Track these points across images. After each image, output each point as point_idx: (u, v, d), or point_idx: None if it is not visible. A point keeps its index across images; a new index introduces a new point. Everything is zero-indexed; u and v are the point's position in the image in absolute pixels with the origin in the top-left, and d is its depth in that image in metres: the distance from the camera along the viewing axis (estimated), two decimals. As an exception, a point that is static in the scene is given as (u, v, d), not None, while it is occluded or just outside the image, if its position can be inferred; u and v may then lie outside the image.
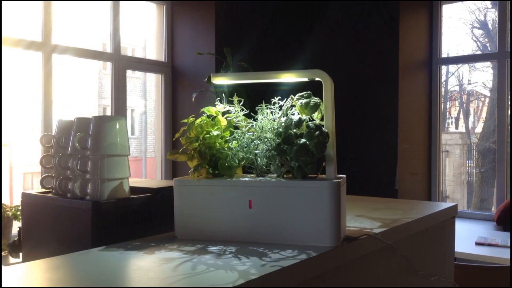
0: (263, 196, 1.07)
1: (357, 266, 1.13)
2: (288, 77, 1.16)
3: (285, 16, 3.48)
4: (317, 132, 1.07)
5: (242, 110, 1.20)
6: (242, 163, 1.17)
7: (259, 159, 1.15)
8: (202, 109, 1.21)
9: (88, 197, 1.25)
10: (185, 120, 1.19)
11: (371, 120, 3.26)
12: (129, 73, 3.16)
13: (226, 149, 1.16)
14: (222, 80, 1.21)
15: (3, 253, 2.03)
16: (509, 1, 3.10)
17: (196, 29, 3.30)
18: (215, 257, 0.96)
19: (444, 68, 3.60)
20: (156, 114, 3.47)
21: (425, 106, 3.37)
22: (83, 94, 12.10)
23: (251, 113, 1.18)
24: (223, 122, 1.20)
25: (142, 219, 1.29)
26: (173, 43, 3.37)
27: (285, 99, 1.16)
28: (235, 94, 1.20)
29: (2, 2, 2.38)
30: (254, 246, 1.04)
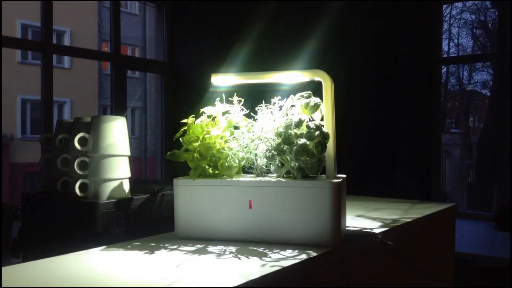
0: (263, 196, 1.07)
1: (357, 266, 1.13)
2: (288, 77, 1.16)
3: (285, 15, 3.48)
4: (317, 132, 1.07)
5: (242, 110, 1.20)
6: (242, 163, 1.17)
7: (259, 159, 1.15)
8: (202, 109, 1.21)
9: (88, 197, 1.25)
10: (185, 120, 1.19)
11: (371, 120, 3.26)
12: (129, 73, 3.16)
13: (226, 149, 1.16)
14: (222, 80, 1.21)
15: (3, 253, 2.03)
16: (509, 1, 3.10)
17: (196, 29, 3.30)
18: (215, 257, 0.96)
19: (444, 68, 3.61)
20: (156, 114, 3.47)
21: (425, 106, 3.37)
22: (83, 94, 12.11)
23: (251, 113, 1.18)
24: (223, 122, 1.20)
25: (142, 219, 1.29)
26: (173, 43, 3.37)
27: (285, 99, 1.16)
28: (235, 94, 1.20)
29: (2, 2, 2.38)
30: (254, 246, 1.04)
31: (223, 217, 1.10)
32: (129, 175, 1.30)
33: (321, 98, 1.13)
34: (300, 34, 3.49)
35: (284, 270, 0.88)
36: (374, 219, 1.34)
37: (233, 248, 1.03)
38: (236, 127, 1.19)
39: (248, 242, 1.08)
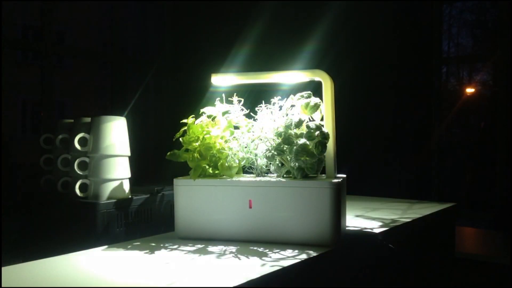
0: (263, 196, 1.07)
1: (357, 266, 1.13)
2: (288, 77, 1.16)
3: (285, 15, 3.48)
4: (317, 132, 1.07)
5: (242, 110, 1.20)
6: (242, 163, 1.17)
7: (259, 159, 1.15)
8: (202, 109, 1.21)
9: (88, 198, 1.25)
10: (185, 120, 1.19)
11: (371, 120, 3.26)
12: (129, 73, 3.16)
13: (226, 149, 1.16)
14: (222, 80, 1.21)
15: (3, 253, 2.03)
16: (509, 1, 3.10)
17: (196, 29, 3.29)
18: (215, 257, 0.96)
19: (444, 68, 3.60)
20: (156, 114, 3.47)
21: (425, 106, 3.37)
22: (83, 94, 12.11)
23: (251, 113, 1.18)
24: (223, 122, 1.20)
25: (142, 219, 1.29)
26: (174, 42, 3.37)
27: (285, 99, 1.16)
28: (235, 94, 1.21)
29: (2, 2, 2.38)
30: (254, 246, 1.04)
31: (223, 217, 1.10)
32: (129, 175, 1.30)
33: (321, 98, 1.13)
34: (300, 34, 3.49)
35: (284, 270, 0.88)
36: (373, 219, 1.34)
37: (233, 248, 1.03)
38: (236, 127, 1.19)
39: (248, 242, 1.08)
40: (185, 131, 1.18)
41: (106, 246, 1.07)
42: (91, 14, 12.24)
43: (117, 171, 1.26)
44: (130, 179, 1.32)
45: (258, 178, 1.11)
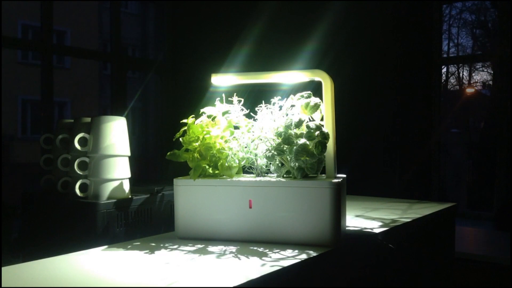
0: (263, 196, 1.07)
1: (357, 266, 1.13)
2: (288, 77, 1.16)
3: (285, 15, 3.48)
4: (317, 132, 1.07)
5: (242, 110, 1.20)
6: (242, 163, 1.17)
7: (259, 159, 1.15)
8: (202, 109, 1.21)
9: (88, 198, 1.25)
10: (185, 120, 1.19)
11: (371, 120, 3.27)
12: (129, 73, 3.16)
13: (226, 149, 1.16)
14: (222, 80, 1.21)
15: (3, 253, 2.03)
16: (509, 1, 3.09)
17: (196, 29, 3.30)
18: (215, 257, 0.96)
19: (444, 68, 3.60)
20: (156, 114, 3.47)
21: (425, 106, 3.37)
22: (84, 94, 12.12)
23: (251, 113, 1.18)
24: (223, 122, 1.20)
25: (142, 219, 1.29)
26: (173, 43, 3.37)
27: (285, 99, 1.16)
28: (235, 94, 1.21)
29: (2, 2, 2.38)
30: (254, 246, 1.04)
31: (223, 217, 1.10)
32: (129, 175, 1.30)
33: (321, 98, 1.13)
34: (300, 34, 3.49)
35: (284, 270, 0.88)
36: (373, 219, 1.34)
37: (233, 248, 1.03)
38: (236, 127, 1.19)
39: (248, 242, 1.08)
40: (185, 131, 1.18)
41: (106, 246, 1.07)
42: (91, 14, 12.24)
43: (117, 171, 1.26)
44: (130, 179, 1.32)
45: (258, 178, 1.11)
